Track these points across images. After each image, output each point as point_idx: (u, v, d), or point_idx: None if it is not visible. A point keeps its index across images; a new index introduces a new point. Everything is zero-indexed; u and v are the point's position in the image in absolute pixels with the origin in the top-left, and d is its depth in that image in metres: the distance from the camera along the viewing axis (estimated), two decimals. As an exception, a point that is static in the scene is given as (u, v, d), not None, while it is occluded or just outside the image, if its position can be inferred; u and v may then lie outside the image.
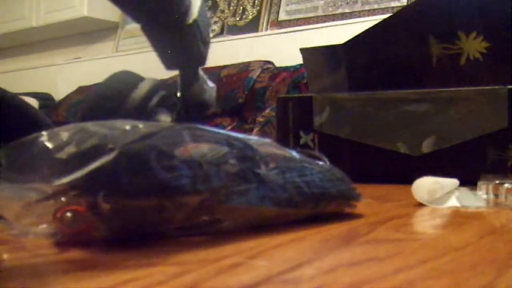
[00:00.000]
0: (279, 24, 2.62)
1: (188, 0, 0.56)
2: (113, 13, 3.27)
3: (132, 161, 0.25)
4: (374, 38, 0.68)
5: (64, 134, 0.26)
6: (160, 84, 0.52)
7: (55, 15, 3.30)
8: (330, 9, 2.45)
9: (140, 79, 0.50)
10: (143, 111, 0.47)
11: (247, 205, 0.29)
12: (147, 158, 0.25)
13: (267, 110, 2.13)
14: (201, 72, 0.59)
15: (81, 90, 2.99)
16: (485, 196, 0.44)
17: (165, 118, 0.49)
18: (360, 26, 0.74)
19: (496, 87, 0.58)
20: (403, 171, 0.60)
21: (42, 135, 0.26)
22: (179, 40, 0.55)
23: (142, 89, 0.47)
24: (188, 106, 0.54)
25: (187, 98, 0.55)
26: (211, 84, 0.60)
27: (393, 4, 2.27)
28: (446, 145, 0.60)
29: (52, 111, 2.95)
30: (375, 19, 1.29)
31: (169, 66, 0.58)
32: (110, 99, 0.46)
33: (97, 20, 3.24)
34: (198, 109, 0.56)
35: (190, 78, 0.56)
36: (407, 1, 2.26)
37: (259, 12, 2.70)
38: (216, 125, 2.12)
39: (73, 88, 3.08)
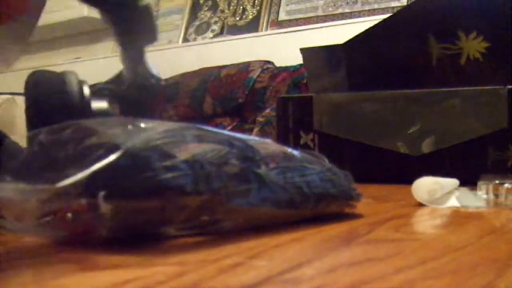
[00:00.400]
0: (279, 24, 2.62)
1: None
2: (113, 13, 3.26)
3: (134, 161, 0.25)
4: (374, 38, 0.68)
5: (64, 132, 0.26)
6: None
7: (55, 15, 3.29)
8: (330, 9, 2.45)
9: (56, 73, 0.47)
10: (84, 103, 0.45)
11: (247, 206, 0.29)
12: (149, 158, 0.25)
13: (267, 110, 2.13)
14: (148, 63, 0.58)
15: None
16: (485, 196, 0.44)
17: (101, 105, 0.46)
18: (360, 26, 0.74)
19: (496, 87, 0.58)
20: (403, 171, 0.60)
21: (42, 133, 0.26)
22: (133, 15, 0.55)
23: (72, 82, 0.45)
24: (132, 88, 0.53)
25: (131, 78, 0.54)
26: (156, 74, 0.59)
27: (393, 4, 2.27)
28: (446, 145, 0.60)
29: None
30: (375, 19, 1.28)
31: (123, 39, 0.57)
32: (50, 99, 0.43)
33: (97, 20, 3.21)
34: (142, 93, 0.55)
35: (138, 56, 0.56)
36: (407, 1, 2.26)
37: (259, 12, 2.70)
38: (216, 125, 2.11)
39: (73, 88, 3.08)
